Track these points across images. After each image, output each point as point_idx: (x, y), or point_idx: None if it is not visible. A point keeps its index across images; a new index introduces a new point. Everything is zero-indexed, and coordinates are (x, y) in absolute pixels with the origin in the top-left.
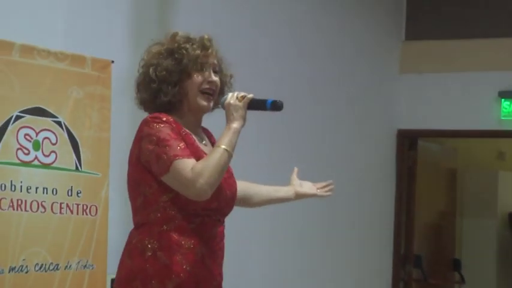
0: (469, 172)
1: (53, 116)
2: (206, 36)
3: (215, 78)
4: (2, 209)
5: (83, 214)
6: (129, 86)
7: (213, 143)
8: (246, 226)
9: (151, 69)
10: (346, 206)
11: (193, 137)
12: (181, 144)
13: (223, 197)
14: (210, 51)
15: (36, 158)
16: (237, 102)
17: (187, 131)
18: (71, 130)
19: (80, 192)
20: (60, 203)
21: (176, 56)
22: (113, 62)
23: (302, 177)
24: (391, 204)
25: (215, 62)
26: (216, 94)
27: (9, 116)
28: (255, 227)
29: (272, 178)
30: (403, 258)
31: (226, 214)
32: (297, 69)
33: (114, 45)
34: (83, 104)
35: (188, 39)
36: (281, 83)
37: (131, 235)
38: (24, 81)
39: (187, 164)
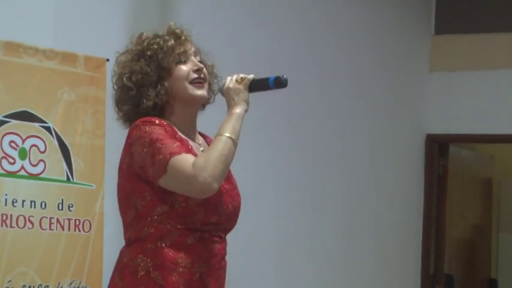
0: (507, 182)
1: (42, 121)
2: (173, 23)
3: (201, 64)
4: None
5: (75, 230)
6: None
7: None
8: (251, 243)
9: (125, 79)
10: (368, 220)
11: (190, 143)
12: (177, 143)
13: (224, 210)
14: (183, 38)
15: (22, 167)
16: (237, 85)
17: (182, 136)
18: (62, 136)
19: (72, 206)
20: (50, 218)
21: (148, 53)
22: (108, 60)
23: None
24: (419, 218)
25: (193, 49)
26: (206, 82)
27: None
28: (262, 245)
29: (281, 185)
30: (433, 279)
31: (227, 230)
32: (312, 67)
33: (109, 42)
34: (75, 108)
35: (156, 35)
36: (295, 82)
37: (122, 253)
38: (9, 82)
39: (186, 159)
